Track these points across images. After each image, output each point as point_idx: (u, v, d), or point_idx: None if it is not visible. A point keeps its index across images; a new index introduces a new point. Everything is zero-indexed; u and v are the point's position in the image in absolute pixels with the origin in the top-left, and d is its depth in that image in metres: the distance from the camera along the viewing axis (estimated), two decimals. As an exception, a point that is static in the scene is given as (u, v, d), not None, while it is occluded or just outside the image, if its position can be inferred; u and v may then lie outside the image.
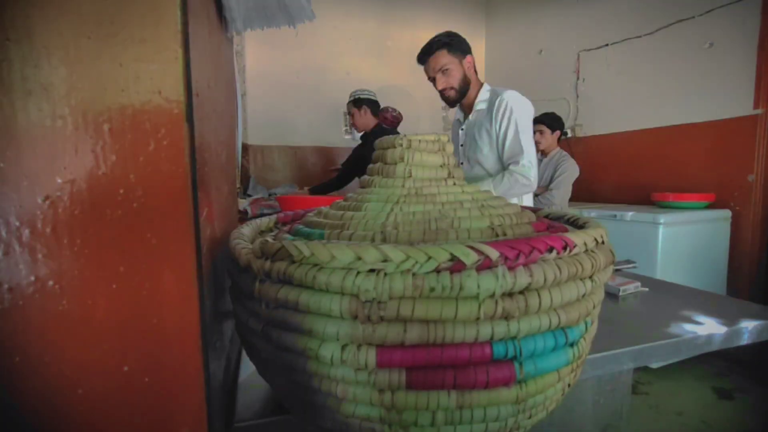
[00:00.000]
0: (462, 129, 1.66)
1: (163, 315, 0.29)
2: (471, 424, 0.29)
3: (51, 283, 0.26)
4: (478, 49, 3.96)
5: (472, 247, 0.27)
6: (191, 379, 0.30)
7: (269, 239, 0.38)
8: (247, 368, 0.50)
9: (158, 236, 0.28)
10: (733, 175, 2.13)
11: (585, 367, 0.54)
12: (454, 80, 1.54)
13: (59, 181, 0.26)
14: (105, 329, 0.28)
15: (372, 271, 0.27)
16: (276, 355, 0.32)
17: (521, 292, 0.28)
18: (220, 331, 0.44)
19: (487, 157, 1.56)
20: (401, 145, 0.42)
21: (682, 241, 1.96)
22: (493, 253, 0.27)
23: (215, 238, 0.42)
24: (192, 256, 0.30)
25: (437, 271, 0.27)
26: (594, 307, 0.34)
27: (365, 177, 0.46)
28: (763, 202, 2.06)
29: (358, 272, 0.27)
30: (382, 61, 3.71)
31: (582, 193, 2.95)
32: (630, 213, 2.04)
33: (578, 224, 0.43)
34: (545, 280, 0.28)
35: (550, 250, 0.29)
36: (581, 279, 0.31)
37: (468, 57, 1.55)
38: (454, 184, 0.43)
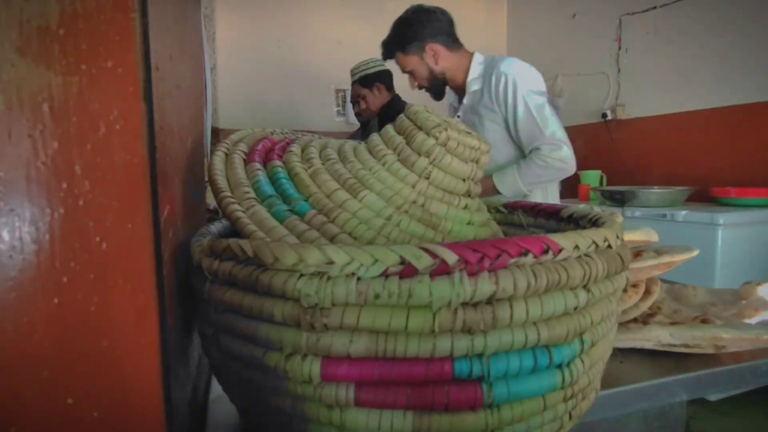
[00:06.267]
0: (458, 116, 1.71)
1: (114, 335, 0.29)
2: None
3: (-21, 296, 0.26)
4: (498, 12, 3.96)
5: (425, 249, 0.28)
6: (149, 413, 0.30)
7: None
8: (218, 392, 0.50)
9: (109, 240, 0.28)
10: (808, 166, 2.13)
11: (627, 398, 0.53)
12: (421, 79, 1.69)
13: (-11, 172, 0.26)
14: (43, 354, 0.28)
15: (319, 273, 0.29)
16: (227, 363, 0.35)
17: (488, 302, 0.29)
18: (186, 353, 0.44)
19: (492, 140, 1.60)
20: (436, 137, 0.43)
21: (745, 244, 1.96)
22: (451, 257, 0.28)
23: (179, 241, 0.42)
24: (150, 263, 0.30)
25: (385, 275, 0.28)
26: (593, 323, 0.34)
27: (377, 144, 0.46)
28: None
29: (301, 275, 0.29)
30: (381, 27, 3.70)
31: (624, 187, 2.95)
32: (683, 212, 2.03)
33: (599, 224, 0.44)
34: (516, 288, 0.29)
35: (525, 253, 0.30)
36: (570, 289, 0.32)
37: (430, 44, 1.60)
38: (465, 207, 0.45)
